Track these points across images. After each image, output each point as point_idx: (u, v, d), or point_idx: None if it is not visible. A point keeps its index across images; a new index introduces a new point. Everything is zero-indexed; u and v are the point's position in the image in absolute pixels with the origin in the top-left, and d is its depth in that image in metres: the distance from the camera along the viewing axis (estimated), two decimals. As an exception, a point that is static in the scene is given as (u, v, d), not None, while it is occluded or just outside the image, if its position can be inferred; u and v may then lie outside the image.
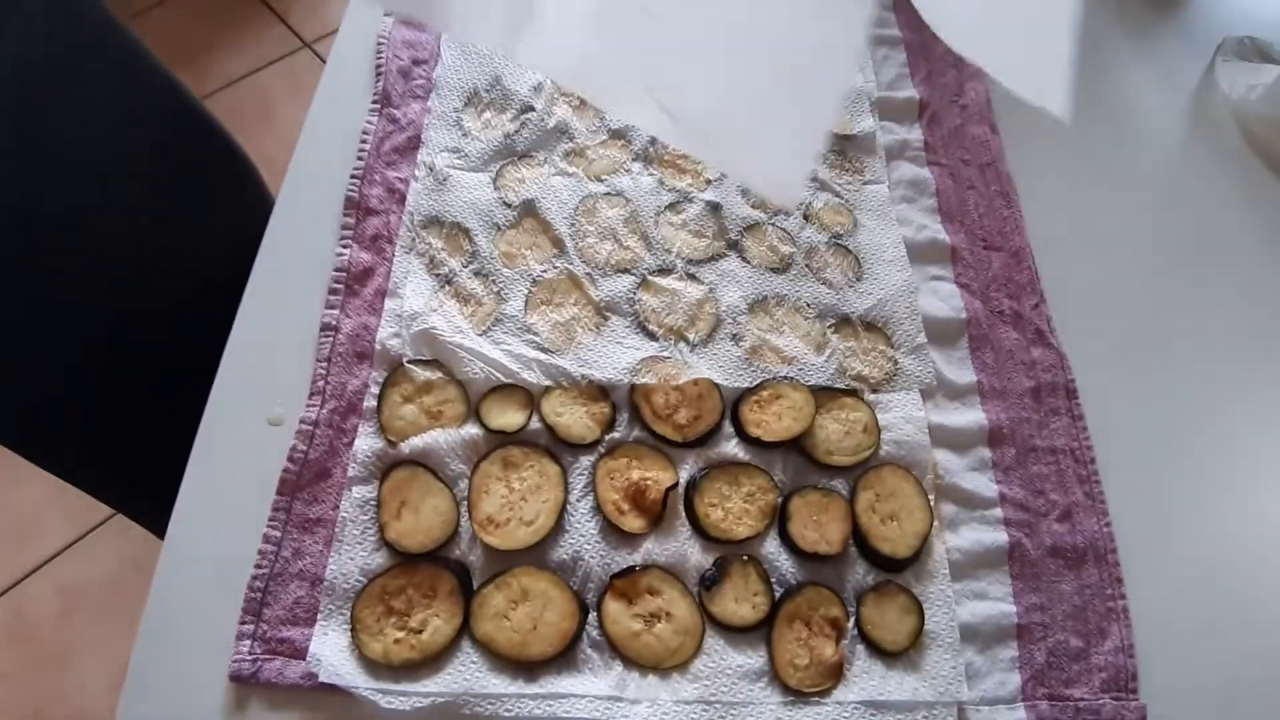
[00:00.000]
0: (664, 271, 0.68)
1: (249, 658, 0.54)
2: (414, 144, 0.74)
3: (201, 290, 0.77)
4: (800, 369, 0.65)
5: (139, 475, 0.80)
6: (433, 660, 0.54)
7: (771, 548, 0.59)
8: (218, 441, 0.61)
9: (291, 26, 2.07)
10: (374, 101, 0.76)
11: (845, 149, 0.77)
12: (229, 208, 0.92)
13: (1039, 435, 0.65)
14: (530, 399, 0.62)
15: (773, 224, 0.72)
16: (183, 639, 0.55)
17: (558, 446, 0.61)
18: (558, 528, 0.58)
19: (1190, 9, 0.95)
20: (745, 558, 0.57)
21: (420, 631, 0.54)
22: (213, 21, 2.06)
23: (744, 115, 0.47)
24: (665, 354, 0.64)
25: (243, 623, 0.55)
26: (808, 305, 0.68)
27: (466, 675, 0.53)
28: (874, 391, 0.65)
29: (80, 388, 0.75)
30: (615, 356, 0.64)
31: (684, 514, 0.59)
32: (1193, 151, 0.85)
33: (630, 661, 0.54)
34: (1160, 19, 0.95)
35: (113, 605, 1.41)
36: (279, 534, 0.57)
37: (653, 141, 0.74)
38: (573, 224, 0.70)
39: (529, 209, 0.70)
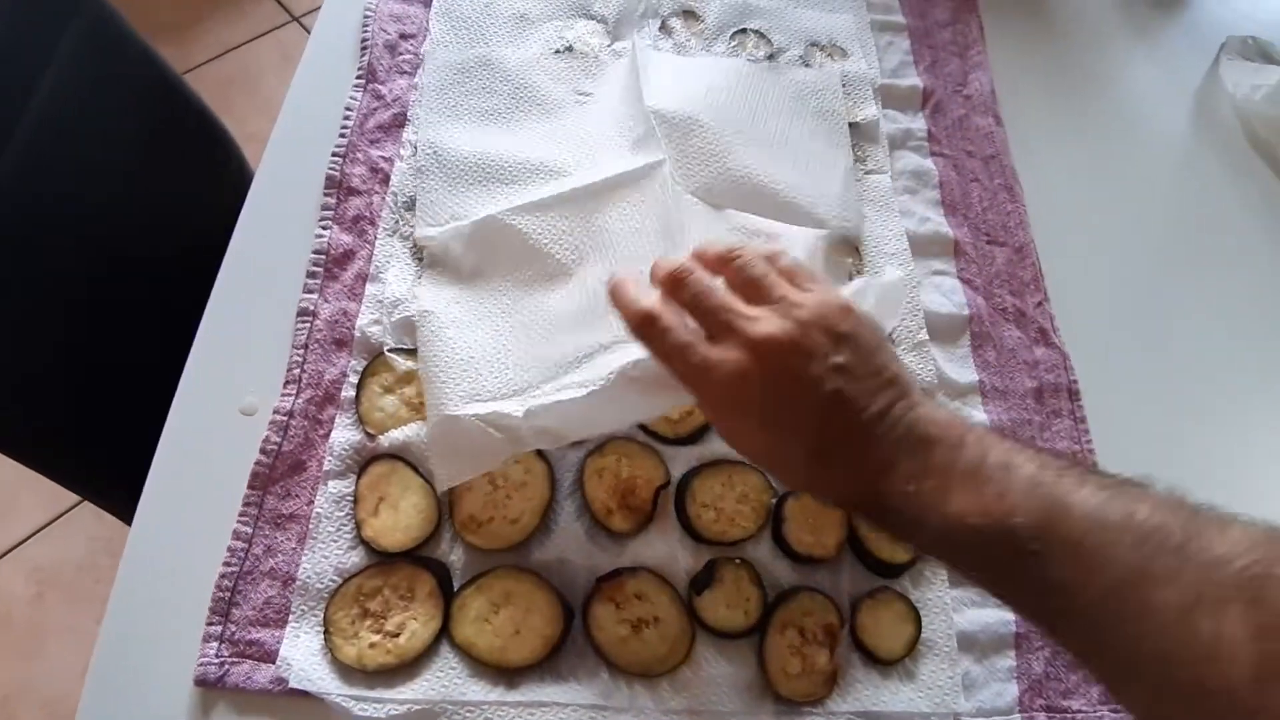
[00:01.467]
0: (658, 261, 0.66)
1: (215, 661, 0.51)
2: (399, 121, 0.71)
3: (178, 271, 0.73)
4: (797, 365, 0.62)
5: (109, 465, 0.77)
6: (409, 666, 0.51)
7: (765, 551, 0.56)
8: (187, 431, 0.58)
9: (281, 0, 2.02)
10: (358, 76, 0.73)
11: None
12: (208, 185, 0.89)
13: (1041, 437, 0.63)
14: (516, 392, 0.59)
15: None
16: (147, 640, 0.52)
17: (544, 442, 0.58)
18: (542, 527, 0.55)
19: (1193, 9, 0.93)
20: (738, 560, 0.55)
21: (397, 635, 0.51)
22: (199, -7, 2.00)
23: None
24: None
25: (210, 623, 0.52)
26: (806, 299, 0.66)
27: (445, 682, 0.51)
28: (873, 390, 0.62)
29: (48, 374, 0.72)
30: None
31: (674, 514, 0.57)
32: (1197, 151, 0.83)
33: (617, 669, 0.52)
34: (1164, 18, 0.93)
35: (86, 588, 1.38)
36: (250, 530, 0.55)
37: (648, 125, 0.72)
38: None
39: (518, 193, 0.67)
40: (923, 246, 0.70)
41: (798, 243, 0.63)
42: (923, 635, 0.55)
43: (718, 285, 0.46)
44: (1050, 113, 0.82)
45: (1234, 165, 0.81)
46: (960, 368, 0.65)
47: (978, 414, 0.63)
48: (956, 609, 0.56)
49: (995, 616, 0.56)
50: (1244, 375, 0.69)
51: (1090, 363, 0.66)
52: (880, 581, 0.56)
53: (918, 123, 0.77)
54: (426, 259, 0.63)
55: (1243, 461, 0.65)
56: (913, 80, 0.80)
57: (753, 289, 0.45)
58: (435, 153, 0.67)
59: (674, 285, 0.45)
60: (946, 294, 0.68)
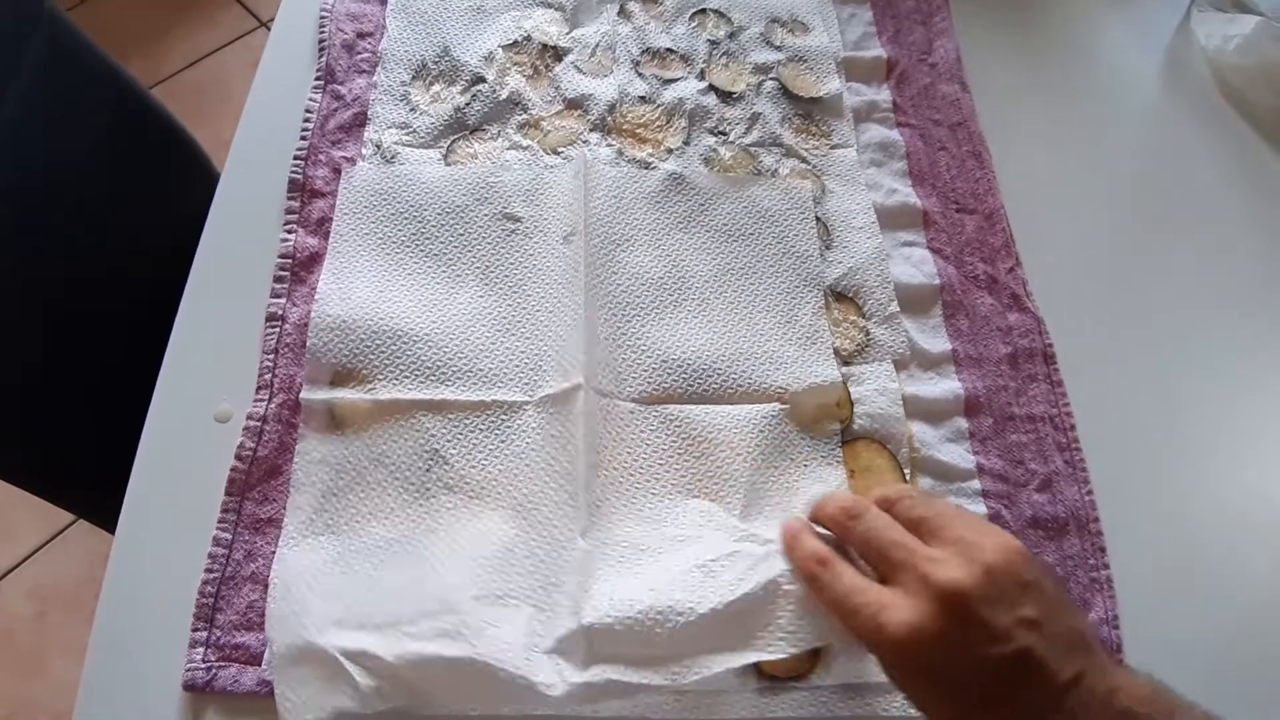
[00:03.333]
0: (626, 247, 0.66)
1: (202, 666, 0.51)
2: (360, 121, 0.70)
3: (153, 282, 0.73)
4: (769, 344, 0.62)
5: (96, 479, 0.77)
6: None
7: (743, 530, 0.56)
8: (164, 441, 0.59)
9: (247, 6, 2.01)
10: (317, 77, 0.73)
11: (811, 112, 0.74)
12: (179, 195, 0.88)
13: (1017, 403, 0.63)
14: (489, 385, 0.59)
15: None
16: (136, 649, 0.53)
17: (519, 434, 0.58)
18: (521, 518, 0.55)
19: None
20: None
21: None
22: (167, 4, 1.99)
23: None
24: (629, 333, 0.62)
25: (195, 629, 0.52)
26: (776, 277, 0.65)
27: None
28: (846, 364, 0.62)
29: (25, 391, 0.72)
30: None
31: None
32: (1169, 105, 0.82)
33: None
34: (1134, -30, 0.92)
35: (87, 604, 1.38)
36: (229, 536, 0.55)
37: (611, 109, 0.71)
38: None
39: (482, 186, 0.67)
40: (891, 218, 0.70)
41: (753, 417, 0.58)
42: (904, 605, 0.55)
43: (892, 523, 0.43)
44: (1018, 75, 0.82)
45: (1207, 119, 0.81)
46: (933, 337, 0.65)
47: (951, 383, 0.63)
48: (937, 577, 0.56)
49: (976, 582, 0.56)
50: (1221, 332, 0.69)
51: (1065, 326, 0.66)
52: (860, 554, 0.56)
53: (882, 94, 0.77)
54: (305, 414, 0.57)
55: (1220, 419, 0.65)
56: (876, 51, 0.79)
57: (923, 527, 0.42)
58: (340, 295, 0.61)
59: (845, 521, 0.43)
60: (916, 265, 0.68)
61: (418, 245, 0.64)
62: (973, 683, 0.38)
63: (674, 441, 0.57)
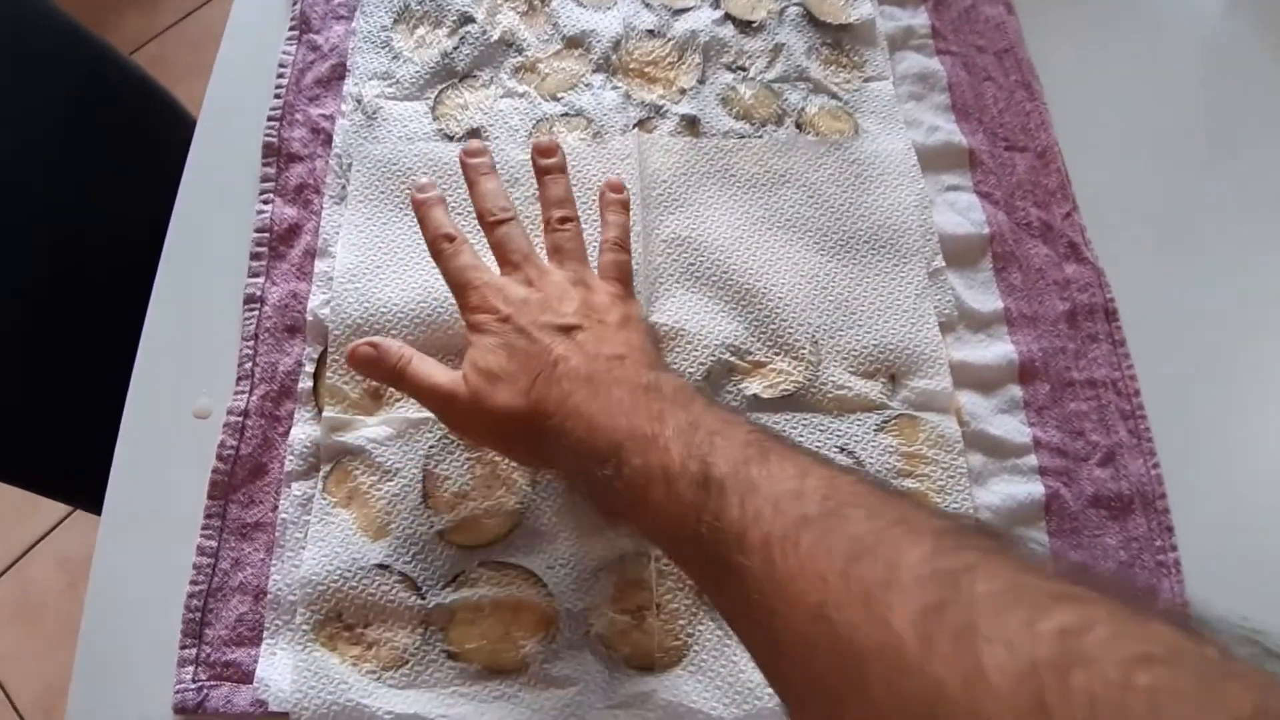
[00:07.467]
0: (636, 205, 0.59)
1: (193, 686, 0.48)
2: (339, 74, 0.64)
3: (132, 253, 0.68)
4: (798, 310, 0.56)
5: (89, 471, 0.73)
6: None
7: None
8: (142, 441, 0.54)
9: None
10: (291, 28, 0.66)
11: (841, 41, 0.66)
12: (156, 162, 0.82)
13: (1076, 367, 0.57)
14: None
15: (760, 137, 0.62)
16: (123, 671, 0.49)
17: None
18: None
19: None
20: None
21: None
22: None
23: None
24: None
25: (183, 647, 0.49)
26: (804, 234, 0.59)
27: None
28: (884, 330, 0.56)
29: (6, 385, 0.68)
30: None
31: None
32: (1240, 20, 0.73)
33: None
34: None
35: (116, 573, 1.38)
36: (214, 544, 0.51)
37: (615, 46, 0.64)
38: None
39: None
40: (933, 160, 0.62)
41: None
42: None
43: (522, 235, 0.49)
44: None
45: (1282, 34, 0.72)
46: (983, 294, 0.58)
47: (1004, 345, 0.57)
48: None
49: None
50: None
51: (1128, 278, 0.59)
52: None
53: (919, 18, 0.68)
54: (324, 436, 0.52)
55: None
56: (912, -32, 0.71)
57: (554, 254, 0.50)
58: (357, 297, 0.55)
59: (490, 220, 0.49)
60: (963, 212, 0.61)
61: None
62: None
63: None
